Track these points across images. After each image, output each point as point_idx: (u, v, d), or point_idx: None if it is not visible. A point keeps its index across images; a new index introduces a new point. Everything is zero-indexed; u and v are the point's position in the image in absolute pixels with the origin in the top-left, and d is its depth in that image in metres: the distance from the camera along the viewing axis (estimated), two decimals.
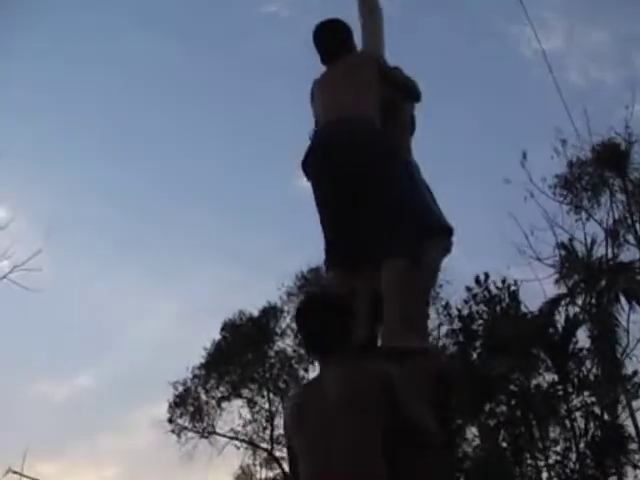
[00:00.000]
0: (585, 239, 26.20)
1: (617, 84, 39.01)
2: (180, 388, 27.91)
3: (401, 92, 4.99)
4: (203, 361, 27.95)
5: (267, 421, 28.05)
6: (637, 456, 23.52)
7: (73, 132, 43.78)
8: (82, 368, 45.11)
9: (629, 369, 24.56)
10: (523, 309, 25.94)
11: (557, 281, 25.95)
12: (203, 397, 28.03)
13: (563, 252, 26.40)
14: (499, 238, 34.58)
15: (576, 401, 24.55)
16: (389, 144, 4.60)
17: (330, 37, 5.08)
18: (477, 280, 26.27)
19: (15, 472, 22.08)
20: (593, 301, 25.07)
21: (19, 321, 38.23)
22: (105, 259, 44.68)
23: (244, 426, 28.19)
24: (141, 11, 43.08)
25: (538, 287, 27.69)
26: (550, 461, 24.01)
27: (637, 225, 25.90)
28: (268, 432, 27.96)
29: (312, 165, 4.60)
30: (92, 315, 42.61)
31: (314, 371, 22.34)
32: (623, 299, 24.83)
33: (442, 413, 3.83)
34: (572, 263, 25.96)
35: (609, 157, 26.22)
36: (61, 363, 42.83)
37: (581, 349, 24.85)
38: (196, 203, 42.78)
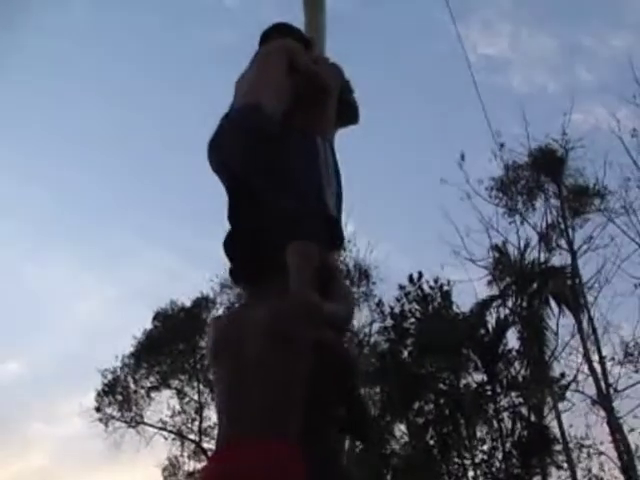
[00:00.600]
0: (519, 242, 26.57)
1: (559, 91, 39.36)
2: (109, 376, 27.75)
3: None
4: (133, 350, 27.82)
5: (196, 412, 27.90)
6: (561, 457, 23.87)
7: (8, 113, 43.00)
8: (11, 354, 44.42)
9: (557, 371, 24.94)
10: (455, 309, 26.27)
11: (489, 283, 26.24)
12: (132, 386, 27.77)
13: (496, 254, 26.69)
14: (435, 238, 34.68)
15: (504, 401, 24.90)
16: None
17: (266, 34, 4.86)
18: (410, 279, 26.51)
19: None
20: (524, 304, 25.33)
21: None
22: (37, 243, 44.05)
23: (172, 417, 28.02)
24: None
25: (471, 288, 28.01)
26: (476, 460, 24.28)
27: (569, 230, 26.32)
28: (197, 423, 27.85)
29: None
30: (23, 299, 42.08)
31: None
32: (553, 303, 25.22)
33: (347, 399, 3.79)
34: (505, 266, 26.25)
35: (545, 162, 26.58)
36: None
37: (510, 350, 25.20)
38: (133, 189, 42.38)
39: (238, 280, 3.91)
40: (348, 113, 4.83)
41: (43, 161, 43.86)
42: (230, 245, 3.74)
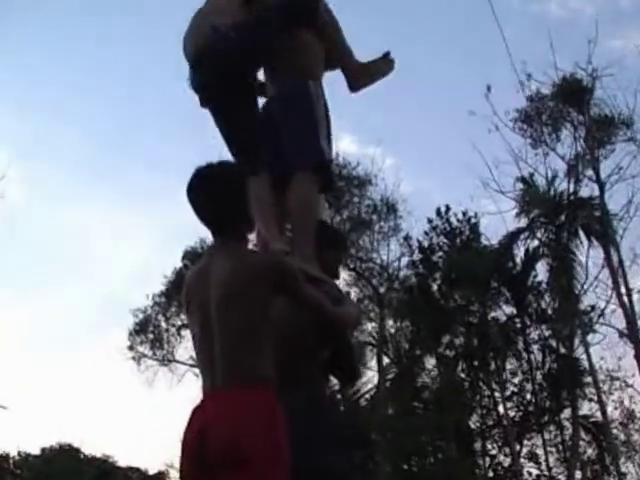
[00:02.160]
0: (546, 173, 26.37)
1: (597, 16, 38.77)
2: (140, 316, 27.99)
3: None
4: (164, 289, 27.98)
5: None
6: (591, 389, 24.09)
7: (46, 57, 42.84)
8: (56, 293, 44.96)
9: (586, 304, 25.01)
10: (483, 242, 26.23)
11: (517, 215, 26.13)
12: (163, 325, 27.95)
13: (523, 186, 26.57)
14: (464, 170, 34.46)
15: (533, 334, 25.10)
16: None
17: None
18: (438, 212, 26.44)
19: None
20: (552, 236, 25.26)
21: None
22: (76, 184, 44.27)
23: None
24: None
25: (500, 220, 27.97)
26: (507, 393, 24.50)
27: (596, 161, 26.13)
28: None
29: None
30: (65, 240, 42.29)
31: None
32: (582, 235, 25.15)
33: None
34: (532, 197, 26.12)
35: (570, 92, 26.25)
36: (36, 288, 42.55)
37: (540, 283, 25.25)
38: (167, 132, 42.18)
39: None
40: (339, 57, 4.79)
41: (80, 103, 43.69)
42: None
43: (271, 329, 3.16)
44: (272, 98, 4.47)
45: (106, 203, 42.74)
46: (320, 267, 3.88)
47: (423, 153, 37.45)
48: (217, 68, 4.24)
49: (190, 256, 27.27)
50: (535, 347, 24.89)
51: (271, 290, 3.19)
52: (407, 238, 26.86)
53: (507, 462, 24.26)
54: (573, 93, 26.19)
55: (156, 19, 40.46)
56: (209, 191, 3.34)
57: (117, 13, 41.99)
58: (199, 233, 28.28)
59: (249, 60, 4.37)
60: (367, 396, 26.19)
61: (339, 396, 23.91)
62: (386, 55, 4.92)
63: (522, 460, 24.08)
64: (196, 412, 3.14)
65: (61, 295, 44.15)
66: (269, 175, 4.26)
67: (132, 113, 44.98)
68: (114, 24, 41.19)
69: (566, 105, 26.58)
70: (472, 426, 24.66)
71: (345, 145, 42.17)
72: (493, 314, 25.26)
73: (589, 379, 23.87)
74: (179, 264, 28.07)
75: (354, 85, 4.90)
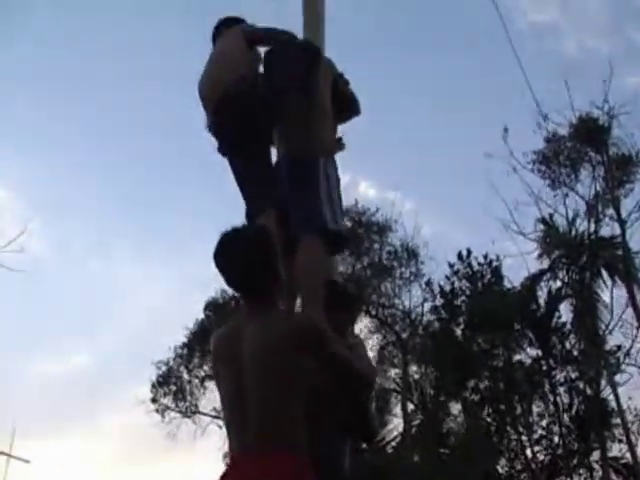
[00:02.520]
0: (566, 213, 26.31)
1: (610, 55, 39.00)
2: (163, 368, 27.90)
3: (275, 43, 4.87)
4: (186, 340, 27.91)
5: None
6: (619, 430, 23.76)
7: (68, 113, 43.30)
8: (78, 346, 45.10)
9: (612, 343, 24.77)
10: (506, 284, 26.08)
11: (539, 256, 26.05)
12: (186, 376, 27.87)
13: (544, 227, 26.50)
14: (484, 212, 34.39)
15: (559, 376, 24.75)
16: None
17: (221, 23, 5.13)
18: (459, 256, 26.35)
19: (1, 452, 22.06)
20: (575, 276, 25.14)
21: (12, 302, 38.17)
22: (101, 237, 44.70)
23: None
24: None
25: (522, 261, 27.85)
26: (535, 436, 24.18)
27: (617, 200, 26.03)
28: None
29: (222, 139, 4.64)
30: (89, 293, 42.43)
31: None
32: (605, 274, 25.00)
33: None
34: (554, 238, 26.04)
35: (587, 132, 26.25)
36: (58, 342, 42.68)
37: (564, 324, 25.00)
38: (190, 180, 42.51)
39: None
40: (350, 107, 5.04)
41: (100, 152, 44.10)
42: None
43: (304, 392, 3.15)
44: (282, 157, 4.55)
45: (127, 253, 43.02)
46: (332, 328, 3.81)
47: (442, 196, 37.48)
48: (242, 116, 4.42)
49: (212, 307, 27.35)
50: (561, 389, 24.54)
51: (305, 354, 3.19)
52: (429, 283, 26.83)
53: None
54: (590, 133, 26.22)
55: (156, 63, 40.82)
56: (237, 255, 3.35)
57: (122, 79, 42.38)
58: (220, 283, 28.39)
59: (272, 111, 4.52)
60: (393, 443, 25.93)
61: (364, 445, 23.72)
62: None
63: None
64: (228, 476, 3.11)
65: (84, 345, 44.24)
66: (275, 211, 4.34)
67: (153, 163, 45.12)
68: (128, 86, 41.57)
69: (584, 145, 26.58)
70: (500, 471, 24.31)
71: (364, 190, 42.39)
72: (518, 357, 25.00)
73: (617, 420, 23.55)
74: (201, 315, 28.12)
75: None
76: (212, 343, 3.39)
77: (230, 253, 3.35)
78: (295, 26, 5.12)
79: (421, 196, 37.40)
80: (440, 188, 37.66)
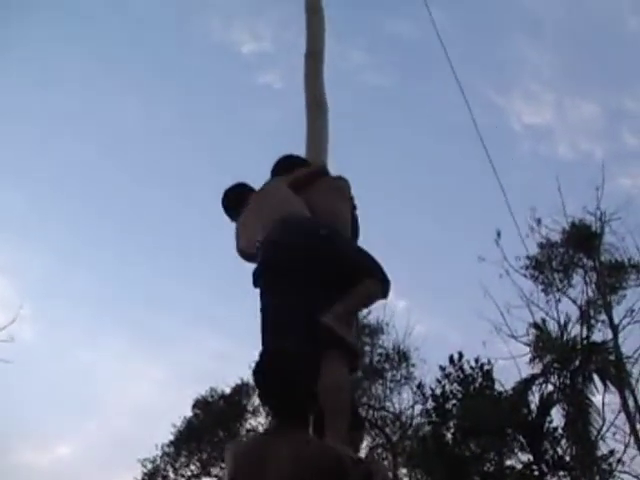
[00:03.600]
0: (558, 318, 26.28)
1: (603, 159, 39.64)
2: (149, 465, 27.44)
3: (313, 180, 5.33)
4: (173, 438, 27.53)
5: None
6: None
7: (61, 201, 43.99)
8: (62, 439, 44.61)
9: (604, 449, 24.44)
10: (497, 388, 25.86)
11: (531, 360, 25.93)
12: (172, 475, 27.46)
13: (536, 331, 26.45)
14: (475, 314, 34.38)
15: None
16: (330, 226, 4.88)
17: (235, 193, 5.56)
18: (451, 359, 26.21)
19: None
20: (567, 381, 24.97)
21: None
22: (90, 327, 44.55)
23: None
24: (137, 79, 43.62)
25: (513, 364, 27.63)
26: None
27: (609, 306, 26.06)
28: None
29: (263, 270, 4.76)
30: (75, 383, 42.15)
31: None
32: (597, 379, 24.82)
33: None
34: (545, 342, 25.96)
35: (580, 238, 26.46)
36: (42, 432, 42.16)
37: (555, 429, 24.68)
38: (183, 273, 42.66)
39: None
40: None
41: (91, 246, 44.47)
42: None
43: None
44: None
45: (117, 344, 42.90)
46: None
47: (436, 296, 37.59)
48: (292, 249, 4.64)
49: (200, 405, 27.11)
50: None
51: None
52: (420, 386, 26.70)
53: None
54: (583, 239, 26.44)
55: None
56: (283, 375, 3.32)
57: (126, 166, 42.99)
58: (210, 381, 28.25)
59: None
60: None
61: None
62: None
63: None
64: None
65: (70, 436, 43.68)
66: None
67: (147, 257, 45.41)
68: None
69: (576, 251, 26.75)
70: None
71: None
72: (509, 462, 24.62)
73: None
74: (189, 412, 27.85)
75: None
76: (232, 454, 3.37)
77: (272, 371, 3.35)
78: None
79: (415, 295, 37.43)
80: (433, 288, 37.78)
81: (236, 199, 5.44)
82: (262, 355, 3.48)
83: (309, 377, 3.40)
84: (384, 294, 4.80)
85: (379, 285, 4.72)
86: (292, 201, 4.99)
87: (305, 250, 4.60)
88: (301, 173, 5.37)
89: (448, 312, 38.06)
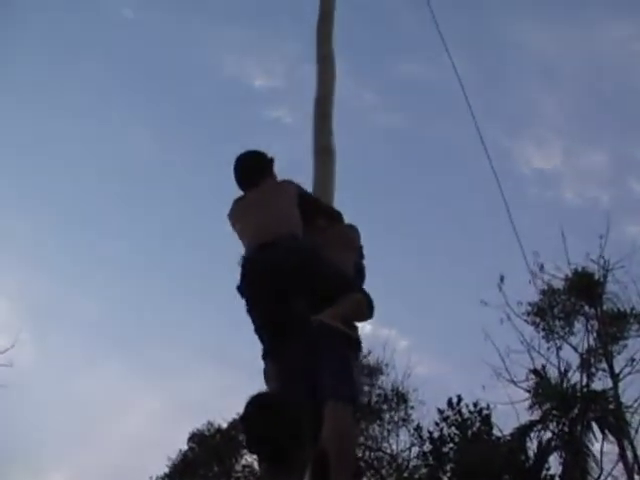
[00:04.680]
0: (559, 365, 26.20)
1: (610, 206, 39.76)
2: None
3: (323, 216, 5.44)
4: (167, 471, 27.34)
5: None
6: None
7: (62, 224, 44.21)
8: (56, 466, 44.26)
9: None
10: (495, 433, 25.74)
11: (530, 406, 25.80)
12: None
13: (536, 378, 26.37)
14: (475, 357, 34.25)
15: None
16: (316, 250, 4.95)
17: (249, 166, 5.47)
18: (450, 403, 26.13)
19: None
20: (565, 428, 24.84)
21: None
22: (88, 353, 44.32)
23: None
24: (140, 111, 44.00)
25: (512, 409, 27.48)
26: None
27: (610, 355, 26.00)
28: None
29: (247, 288, 4.87)
30: (71, 411, 41.96)
31: None
32: (596, 428, 24.68)
33: None
34: (545, 389, 25.86)
35: (582, 286, 26.44)
36: (38, 458, 41.90)
37: (553, 476, 24.55)
38: (186, 303, 42.63)
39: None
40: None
41: (92, 271, 44.57)
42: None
43: None
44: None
45: (116, 372, 42.60)
46: None
47: (439, 338, 37.58)
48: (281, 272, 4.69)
49: (196, 438, 26.96)
50: None
51: None
52: (418, 428, 26.51)
53: None
54: (585, 287, 26.41)
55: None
56: (269, 422, 3.23)
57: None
58: (208, 415, 28.11)
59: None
60: None
61: None
62: None
63: None
64: None
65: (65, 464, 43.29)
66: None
67: (151, 284, 45.39)
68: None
69: (578, 299, 26.73)
70: None
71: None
72: None
73: None
74: (184, 445, 27.69)
75: None
76: None
77: (258, 419, 3.26)
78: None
79: (418, 336, 37.52)
80: (437, 329, 37.80)
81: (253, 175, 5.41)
82: (247, 404, 3.35)
83: (295, 424, 3.30)
84: (370, 312, 4.82)
85: (365, 300, 4.78)
86: (290, 215, 5.05)
87: (291, 268, 4.68)
88: (322, 202, 5.54)
89: (450, 354, 37.97)
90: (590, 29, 41.73)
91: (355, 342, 4.65)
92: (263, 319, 4.73)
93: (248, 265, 4.87)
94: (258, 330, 4.76)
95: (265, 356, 4.69)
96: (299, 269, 4.67)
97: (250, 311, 4.81)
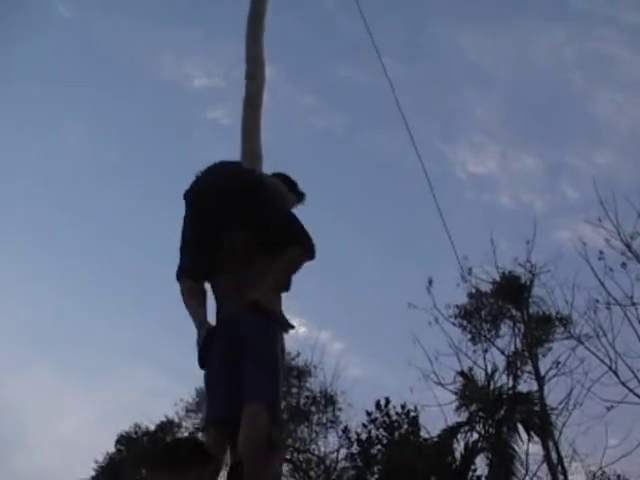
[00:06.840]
0: (486, 367, 26.43)
1: (543, 210, 40.13)
2: None
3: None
4: (94, 474, 26.99)
5: None
6: None
7: None
8: None
9: None
10: (423, 434, 25.91)
11: (457, 408, 25.98)
12: None
13: (463, 380, 26.57)
14: (404, 360, 34.40)
15: None
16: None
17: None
18: (377, 405, 26.24)
19: None
20: (492, 430, 25.08)
21: None
22: (20, 359, 43.69)
23: None
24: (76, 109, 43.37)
25: (440, 410, 27.67)
26: None
27: (535, 358, 26.31)
28: None
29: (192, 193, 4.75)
30: (2, 413, 41.23)
31: None
32: (522, 429, 24.96)
33: None
34: (472, 391, 26.07)
35: (509, 290, 26.74)
36: None
37: (479, 477, 24.79)
38: (118, 309, 42.18)
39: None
40: None
41: (26, 275, 43.88)
42: None
43: None
44: (235, 314, 4.43)
45: (47, 376, 42.11)
46: None
47: (371, 340, 37.72)
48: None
49: (124, 441, 26.66)
50: None
51: None
52: (346, 430, 26.59)
53: None
54: (512, 291, 26.69)
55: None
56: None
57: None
58: (134, 417, 27.80)
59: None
60: None
61: None
62: None
63: None
64: None
65: None
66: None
67: (79, 286, 44.89)
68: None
69: (505, 302, 27.03)
70: None
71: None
72: None
73: None
74: (111, 448, 27.38)
75: None
76: None
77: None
78: None
79: (351, 338, 37.65)
80: (370, 332, 37.89)
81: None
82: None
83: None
84: (310, 258, 4.64)
85: (303, 252, 4.59)
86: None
87: (230, 190, 4.58)
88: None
89: (380, 357, 38.24)
90: (523, 35, 42.32)
91: (285, 324, 4.53)
92: (195, 255, 4.65)
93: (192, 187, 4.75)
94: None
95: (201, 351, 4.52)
96: (239, 192, 4.54)
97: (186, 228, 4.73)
